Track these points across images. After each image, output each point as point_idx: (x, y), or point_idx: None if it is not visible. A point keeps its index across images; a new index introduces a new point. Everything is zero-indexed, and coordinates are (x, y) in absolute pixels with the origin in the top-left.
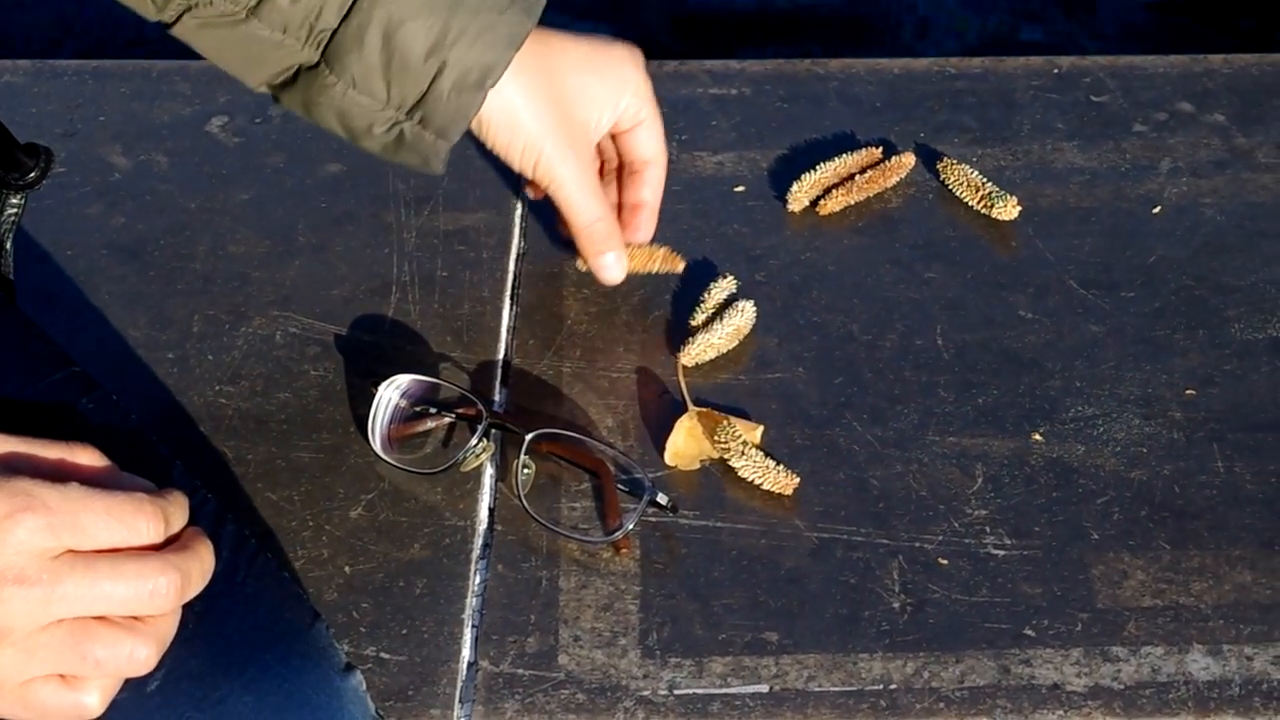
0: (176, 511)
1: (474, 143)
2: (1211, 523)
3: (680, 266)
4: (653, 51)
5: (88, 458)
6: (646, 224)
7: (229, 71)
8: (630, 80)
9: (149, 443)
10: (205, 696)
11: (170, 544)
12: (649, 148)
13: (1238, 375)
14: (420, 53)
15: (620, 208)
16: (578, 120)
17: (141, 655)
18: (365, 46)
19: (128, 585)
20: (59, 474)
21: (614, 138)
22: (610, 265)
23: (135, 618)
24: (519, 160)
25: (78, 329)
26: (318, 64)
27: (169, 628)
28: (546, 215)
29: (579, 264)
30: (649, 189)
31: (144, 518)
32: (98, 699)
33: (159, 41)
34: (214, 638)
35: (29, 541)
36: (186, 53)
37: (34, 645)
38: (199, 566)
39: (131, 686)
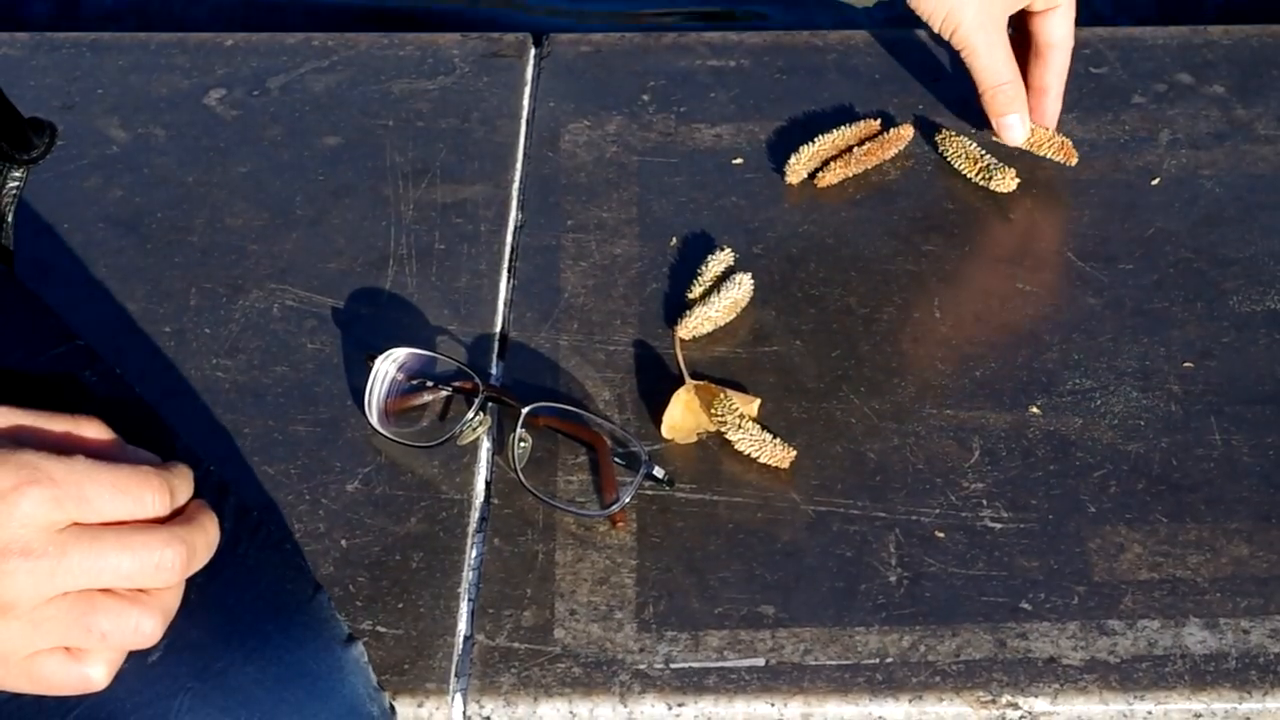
0: (181, 484)
1: (471, 116)
2: (1209, 496)
3: (1074, 159)
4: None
5: (93, 431)
6: (1050, 108)
7: None
8: None
9: (153, 415)
10: (206, 667)
11: (175, 516)
12: (1058, 31)
13: (1236, 348)
14: None
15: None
16: None
17: (147, 628)
18: None
19: (133, 558)
20: (64, 447)
21: (1027, 18)
22: (1014, 125)
23: (140, 590)
24: (939, 25)
25: (75, 302)
26: None
27: (174, 600)
28: (544, 188)
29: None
30: (1053, 73)
31: (149, 490)
32: (103, 671)
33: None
34: (215, 608)
35: (35, 514)
36: (184, 25)
37: (39, 618)
38: (204, 539)
39: (133, 657)
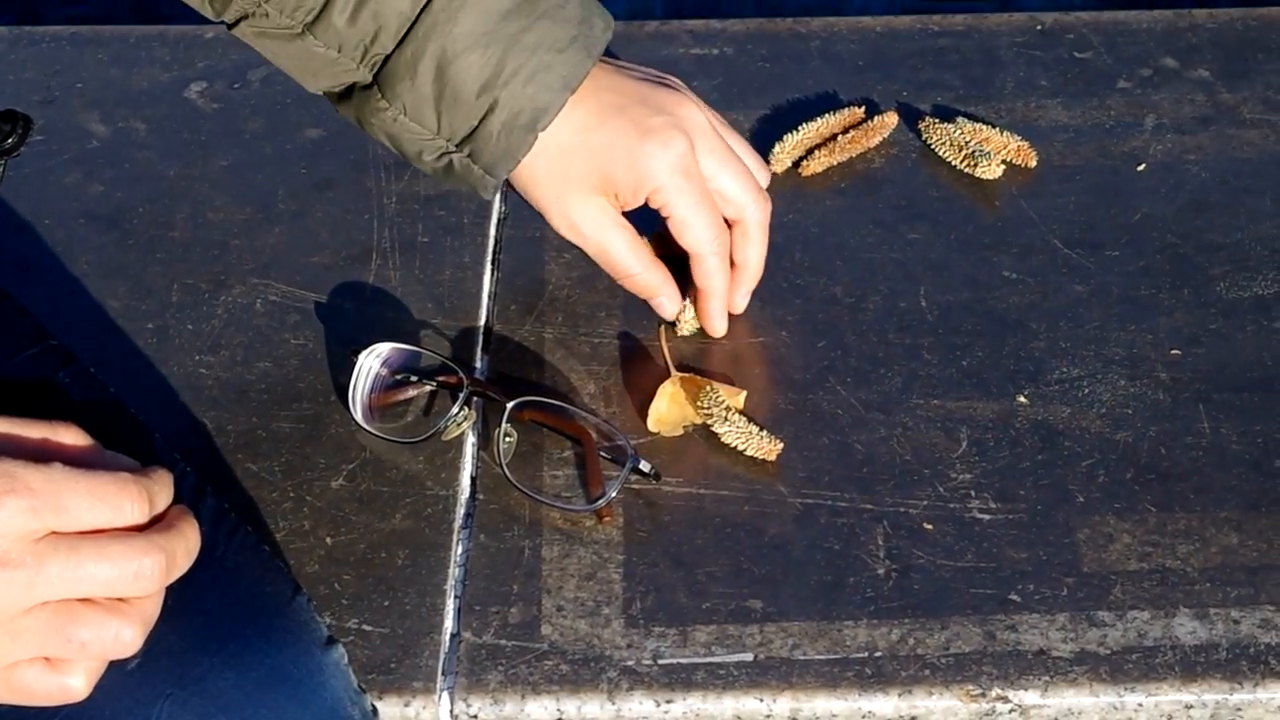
0: (161, 490)
1: None
2: (1197, 484)
3: (1033, 162)
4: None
5: (71, 437)
6: (712, 316)
7: (289, 74)
8: (651, 179)
9: (129, 416)
10: (185, 673)
11: (155, 523)
12: (683, 239)
13: (1223, 334)
14: (473, 89)
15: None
16: (601, 187)
17: (127, 637)
18: (418, 76)
19: (112, 567)
20: (42, 454)
21: None
22: (664, 305)
23: (120, 599)
24: (537, 208)
25: (55, 299)
26: (371, 85)
27: (154, 608)
28: None
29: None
30: (696, 274)
31: (128, 498)
32: (83, 681)
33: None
34: (194, 613)
35: (12, 524)
36: (164, 18)
37: (18, 628)
38: (184, 546)
39: (111, 665)
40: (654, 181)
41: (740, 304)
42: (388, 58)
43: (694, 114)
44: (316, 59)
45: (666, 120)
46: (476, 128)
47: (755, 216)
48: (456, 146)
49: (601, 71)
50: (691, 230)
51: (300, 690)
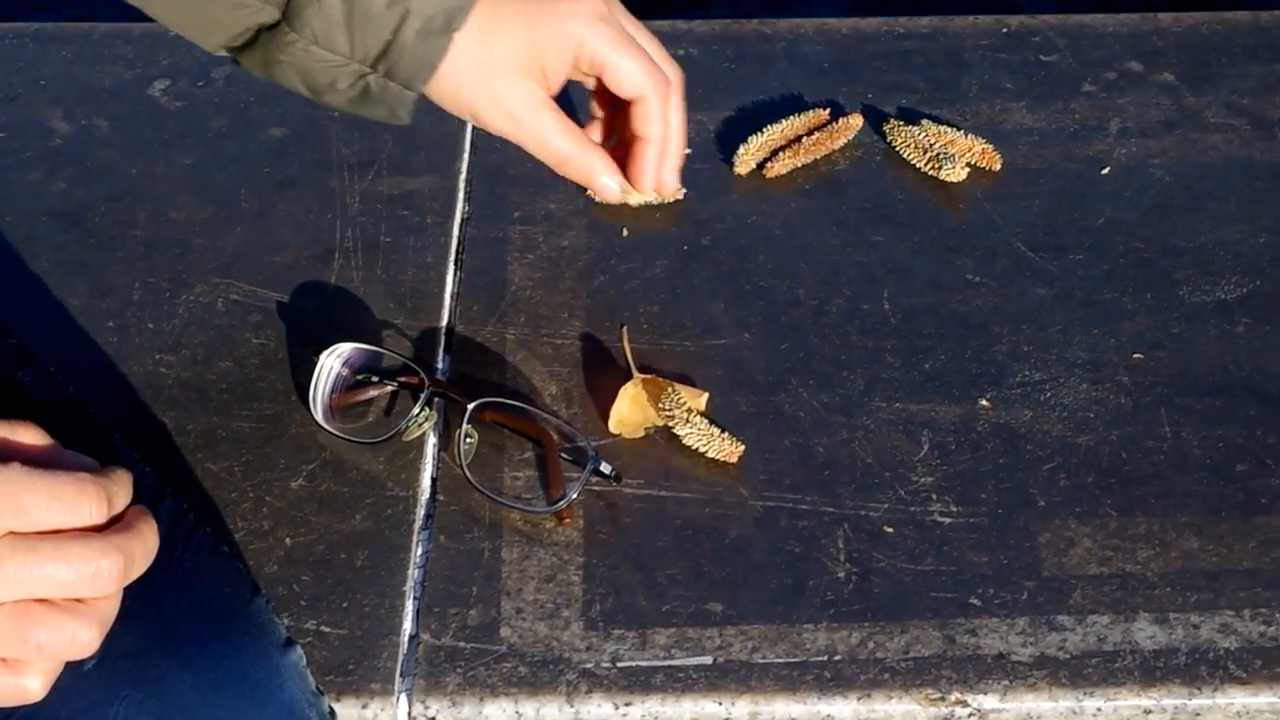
0: (120, 491)
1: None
2: (1159, 489)
3: (997, 165)
4: None
5: (30, 436)
6: (648, 165)
7: (184, 34)
8: (574, 33)
9: (88, 415)
10: (142, 675)
11: (114, 523)
12: (625, 86)
13: (1186, 339)
14: (382, 1)
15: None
16: (527, 67)
17: (84, 638)
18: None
19: (70, 567)
20: (0, 454)
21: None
22: (607, 188)
23: (78, 600)
24: (466, 114)
25: (16, 297)
26: (278, 22)
27: (111, 609)
28: (491, 180)
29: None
30: (639, 122)
31: (86, 499)
32: (39, 682)
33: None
34: (151, 614)
35: None
36: (127, 15)
37: None
38: (142, 547)
39: (69, 666)
40: (577, 33)
41: (669, 181)
42: None
43: None
44: (220, 5)
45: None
46: (390, 41)
47: (660, 92)
48: (371, 66)
49: None
50: (626, 71)
51: (258, 692)
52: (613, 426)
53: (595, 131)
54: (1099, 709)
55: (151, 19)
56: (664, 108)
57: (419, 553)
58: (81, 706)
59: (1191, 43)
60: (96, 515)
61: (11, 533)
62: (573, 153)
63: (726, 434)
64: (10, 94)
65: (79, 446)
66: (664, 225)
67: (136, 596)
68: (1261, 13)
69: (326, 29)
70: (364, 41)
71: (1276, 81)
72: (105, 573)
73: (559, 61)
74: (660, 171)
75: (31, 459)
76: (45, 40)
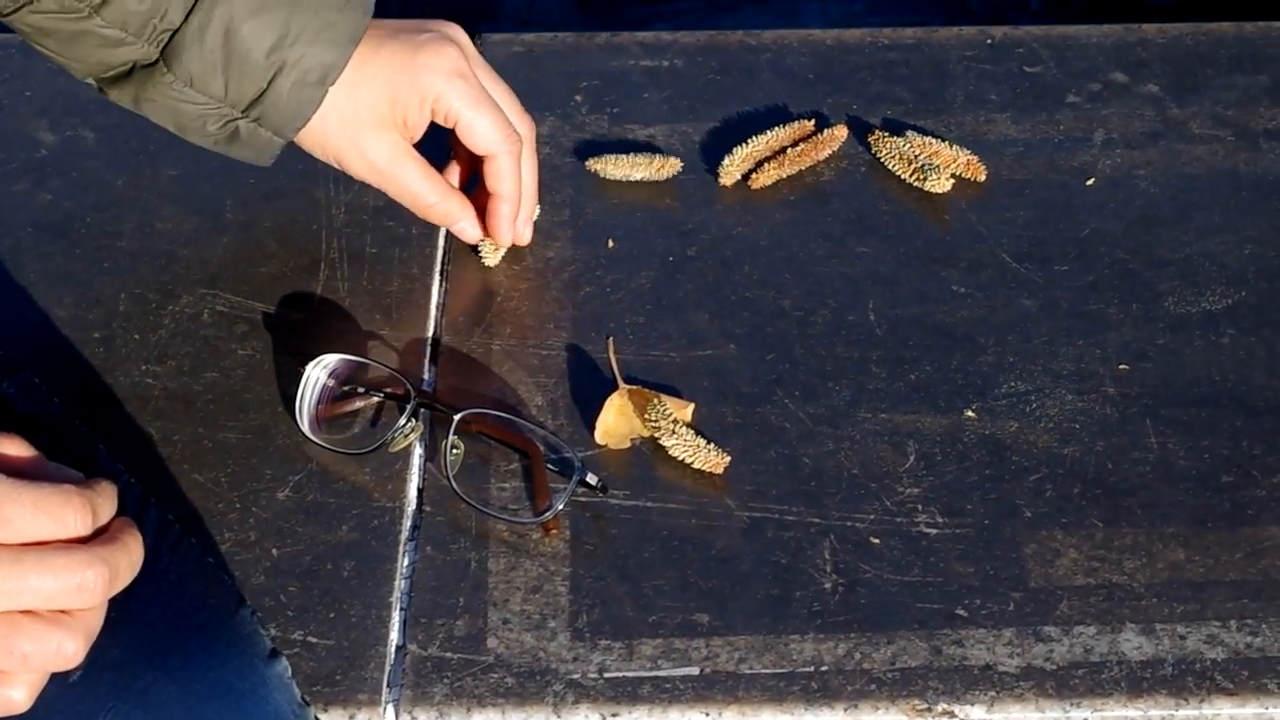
0: (105, 502)
1: None
2: (1144, 500)
3: (981, 175)
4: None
5: (14, 448)
6: (503, 220)
7: (55, 62)
8: (431, 88)
9: (73, 426)
10: (128, 686)
11: (99, 534)
12: (478, 143)
13: (1171, 350)
14: (261, 50)
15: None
16: (390, 119)
17: (69, 650)
18: (205, 44)
19: (55, 579)
20: None
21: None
22: (462, 233)
23: (62, 611)
24: (333, 161)
25: (1, 308)
26: (155, 61)
27: (96, 621)
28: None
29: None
30: (492, 179)
31: (71, 510)
32: (24, 694)
33: None
34: (137, 626)
35: None
36: None
37: None
38: (127, 559)
39: (54, 677)
40: (434, 88)
41: (524, 234)
42: (175, 31)
43: (458, 32)
44: (96, 40)
45: (434, 35)
46: (265, 90)
47: (512, 150)
48: (243, 112)
49: (373, 23)
50: (479, 128)
51: (244, 703)
52: (599, 437)
53: (454, 175)
54: (1086, 719)
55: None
56: (515, 165)
57: (405, 563)
58: (67, 718)
59: (1176, 54)
60: (81, 527)
61: None
62: (434, 200)
63: (712, 445)
64: None
65: (64, 458)
66: (649, 236)
67: (122, 608)
68: (1245, 24)
69: (203, 73)
70: (239, 88)
71: (1261, 93)
72: (90, 584)
73: (418, 114)
74: (515, 225)
75: (16, 471)
76: (31, 51)
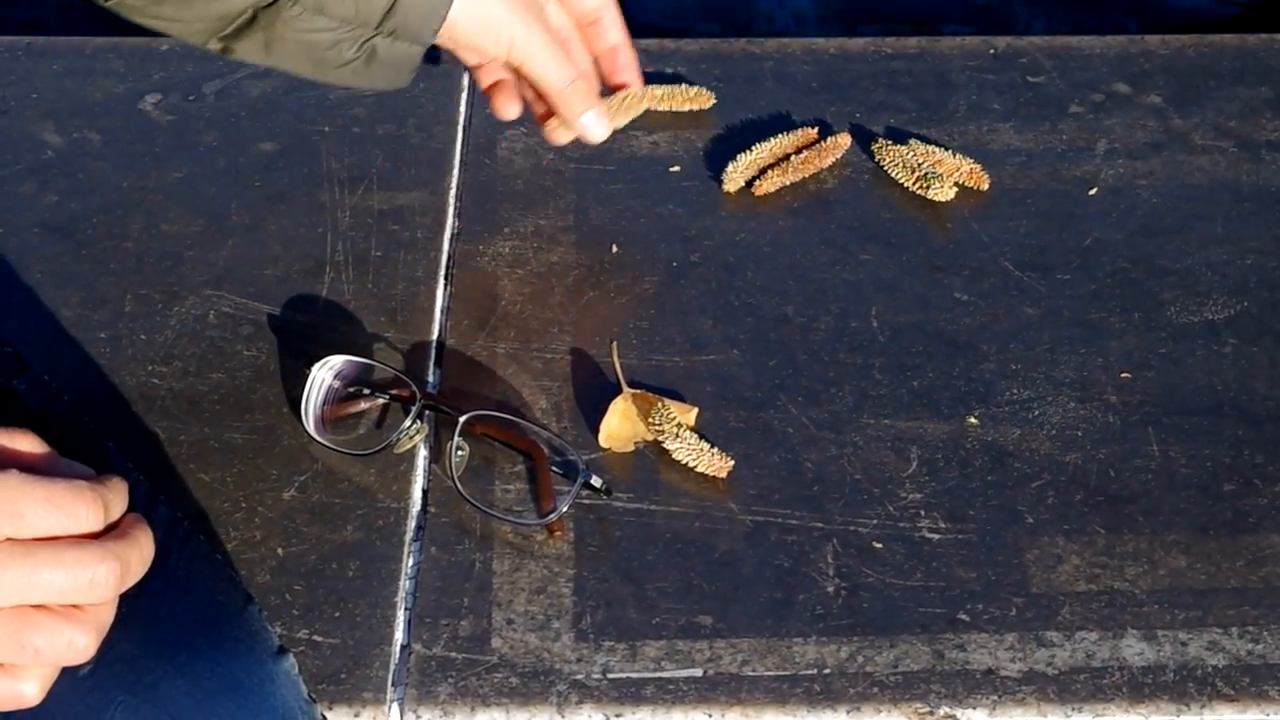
0: (116, 498)
1: (407, 122)
2: (1146, 507)
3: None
4: None
5: (27, 444)
6: (625, 64)
7: (172, 34)
8: None
9: (83, 424)
10: (137, 680)
11: (110, 530)
12: (588, 1)
13: (1173, 359)
14: None
15: (598, 61)
16: None
17: (81, 644)
18: None
19: (67, 574)
20: None
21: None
22: (591, 124)
23: (74, 606)
24: (493, 47)
25: (8, 309)
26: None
27: (108, 616)
28: (481, 195)
29: (558, 135)
30: (612, 30)
31: (84, 505)
32: (36, 688)
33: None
34: (146, 621)
35: None
36: (119, 29)
37: None
38: (138, 555)
39: (64, 671)
40: None
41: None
42: None
43: None
44: None
45: None
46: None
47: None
48: (376, 28)
49: None
50: None
51: (252, 699)
52: (603, 440)
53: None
54: None
55: (142, 28)
56: (618, 15)
57: (410, 564)
58: (77, 711)
59: (1179, 65)
60: (93, 522)
61: (9, 539)
62: (576, 76)
63: (716, 449)
64: (2, 107)
65: (74, 455)
66: (653, 242)
67: (132, 603)
68: (1248, 36)
69: None
70: (369, 3)
71: (1263, 104)
72: (102, 579)
73: None
74: (635, 67)
75: (29, 466)
76: (37, 54)
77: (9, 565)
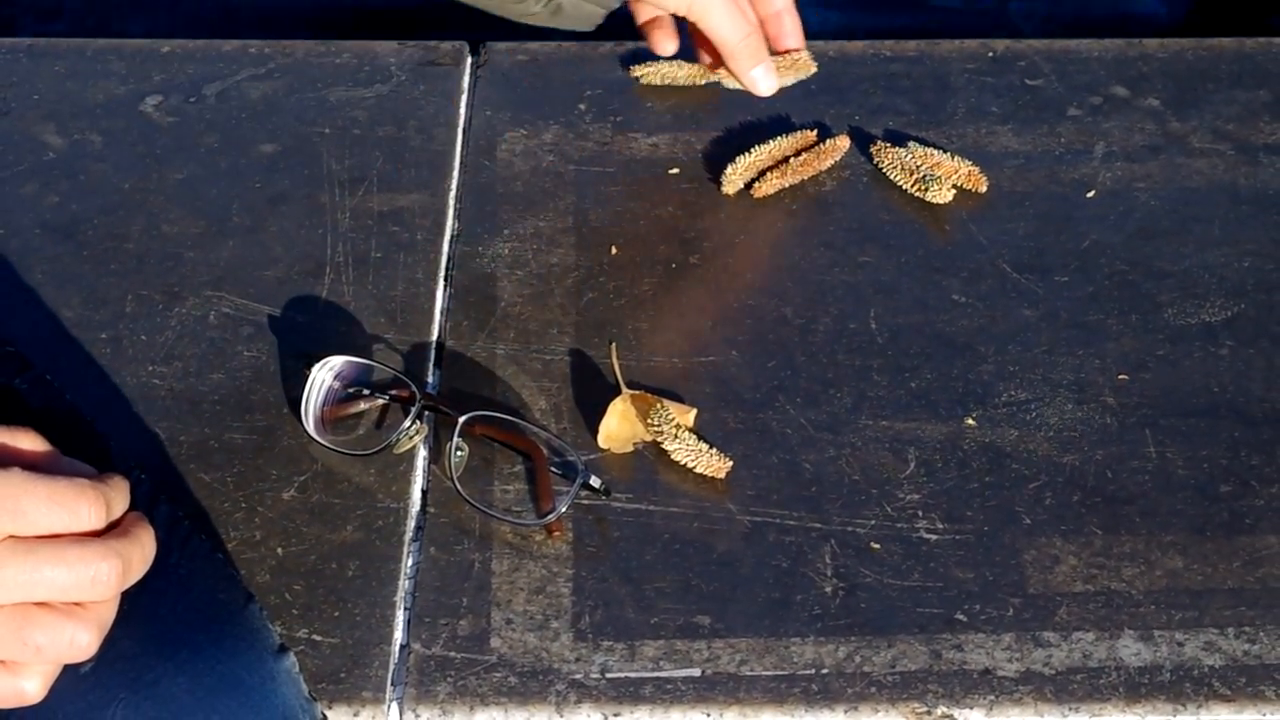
0: (118, 497)
1: (407, 124)
2: (1143, 508)
3: (983, 187)
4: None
5: (29, 442)
6: (791, 28)
7: None
8: None
9: (85, 422)
10: (138, 678)
11: (111, 529)
12: None
13: (1170, 361)
14: None
15: (763, 24)
16: None
17: (83, 641)
18: None
19: (69, 571)
20: (0, 459)
21: None
22: (761, 78)
23: (76, 603)
24: (673, 3)
25: (10, 309)
26: None
27: (109, 613)
28: (481, 197)
29: (725, 81)
30: None
31: (86, 503)
32: (38, 685)
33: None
34: (147, 619)
35: None
36: (120, 31)
37: None
38: (140, 553)
39: (65, 668)
40: None
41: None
42: None
43: None
44: None
45: None
46: None
47: None
48: None
49: None
50: None
51: (252, 697)
52: (601, 441)
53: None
54: None
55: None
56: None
57: (410, 563)
58: (79, 709)
59: (1176, 68)
60: (95, 520)
61: (11, 536)
62: (750, 31)
63: (714, 450)
64: (4, 108)
65: (76, 454)
66: (652, 243)
67: (133, 601)
68: (1246, 39)
69: None
70: None
71: (1261, 107)
72: (104, 577)
73: None
74: (800, 34)
75: (31, 464)
76: (39, 55)
77: (11, 563)
